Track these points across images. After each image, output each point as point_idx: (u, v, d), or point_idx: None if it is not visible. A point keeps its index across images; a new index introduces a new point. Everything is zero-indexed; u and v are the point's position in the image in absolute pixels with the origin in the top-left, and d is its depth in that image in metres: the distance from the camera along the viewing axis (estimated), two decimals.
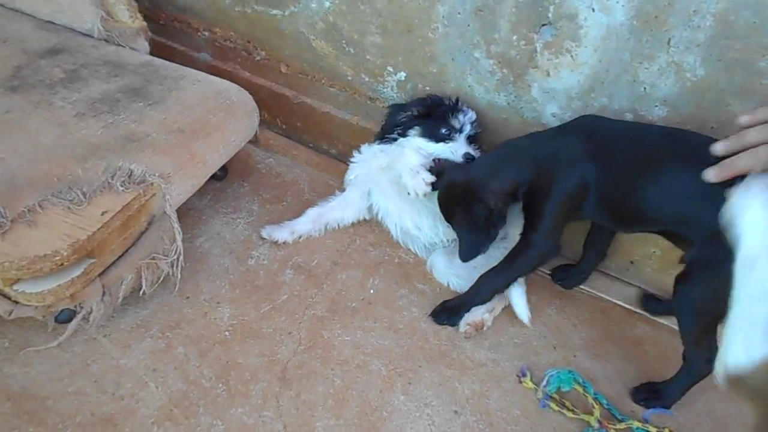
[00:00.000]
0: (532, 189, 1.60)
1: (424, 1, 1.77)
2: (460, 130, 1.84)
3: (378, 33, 1.93)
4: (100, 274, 1.54)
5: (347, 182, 2.04)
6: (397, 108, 1.93)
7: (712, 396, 1.65)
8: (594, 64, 1.63)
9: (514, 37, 1.70)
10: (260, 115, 1.95)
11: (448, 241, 1.92)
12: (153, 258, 1.63)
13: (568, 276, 1.93)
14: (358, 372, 1.63)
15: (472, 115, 1.85)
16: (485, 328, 1.74)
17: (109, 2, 2.02)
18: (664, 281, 1.91)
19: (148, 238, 1.63)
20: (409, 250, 2.00)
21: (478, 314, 1.73)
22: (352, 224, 2.07)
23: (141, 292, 1.64)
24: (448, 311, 1.78)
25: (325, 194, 2.14)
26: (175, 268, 1.69)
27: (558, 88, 1.72)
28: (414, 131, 1.86)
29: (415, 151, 1.78)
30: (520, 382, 1.64)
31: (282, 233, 1.99)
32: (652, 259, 1.89)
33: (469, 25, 1.75)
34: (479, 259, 1.69)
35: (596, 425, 1.51)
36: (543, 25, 1.64)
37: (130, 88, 1.84)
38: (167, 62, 2.00)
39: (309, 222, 2.02)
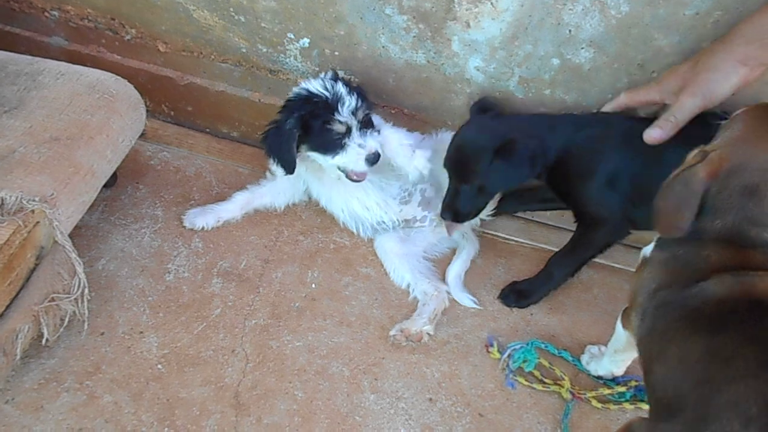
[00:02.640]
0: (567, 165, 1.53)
1: None
2: (349, 130, 1.58)
3: None
4: None
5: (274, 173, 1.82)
6: (274, 135, 1.60)
7: None
8: (516, 10, 1.53)
9: None
10: None
11: (398, 220, 1.78)
12: (52, 299, 1.35)
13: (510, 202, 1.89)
14: (319, 379, 1.49)
15: (351, 100, 1.57)
16: (425, 340, 1.60)
17: None
18: None
19: (41, 277, 1.34)
20: (343, 232, 1.84)
21: (418, 324, 1.60)
22: (275, 214, 1.87)
23: (44, 340, 1.36)
24: (518, 294, 1.70)
25: (237, 184, 1.91)
26: (80, 304, 1.41)
27: (480, 39, 1.61)
28: (304, 148, 1.62)
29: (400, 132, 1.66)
30: (489, 352, 1.59)
31: (207, 219, 1.77)
32: None
33: None
34: (420, 243, 1.69)
35: (568, 396, 1.49)
36: None
37: None
38: (14, 54, 1.64)
39: (237, 209, 1.81)
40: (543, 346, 1.60)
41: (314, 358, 1.53)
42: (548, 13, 1.50)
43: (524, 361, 1.54)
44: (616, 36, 1.50)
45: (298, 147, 1.60)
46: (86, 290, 1.40)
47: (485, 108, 1.64)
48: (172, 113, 2.11)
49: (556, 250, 1.88)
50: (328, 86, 1.58)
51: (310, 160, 1.66)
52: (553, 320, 1.70)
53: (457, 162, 1.58)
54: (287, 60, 1.84)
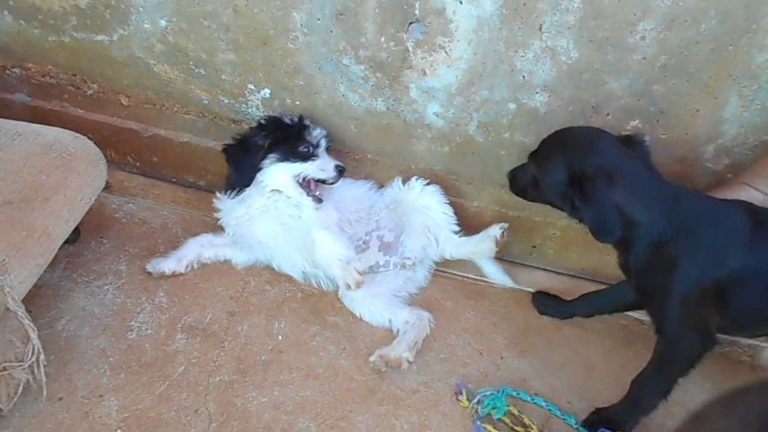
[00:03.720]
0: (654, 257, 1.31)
1: (278, 9, 1.58)
2: (317, 145, 1.73)
3: (230, 49, 1.70)
4: None
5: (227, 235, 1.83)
6: (239, 147, 1.72)
7: (637, 368, 1.70)
8: (469, 58, 1.55)
9: (383, 39, 1.57)
10: (106, 156, 1.66)
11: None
12: (3, 369, 1.31)
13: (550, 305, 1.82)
14: None
15: (321, 130, 1.75)
16: (404, 367, 1.59)
17: None
18: (566, 260, 1.93)
19: None
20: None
21: (397, 351, 1.59)
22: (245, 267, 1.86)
23: None
24: (606, 423, 1.48)
25: (203, 232, 1.90)
26: (36, 371, 1.37)
27: (437, 86, 1.63)
28: (271, 159, 1.70)
29: (333, 236, 1.63)
30: (458, 399, 1.56)
31: (169, 264, 1.76)
32: (553, 240, 1.90)
33: (331, 31, 1.59)
34: (387, 285, 1.71)
35: None
36: (411, 23, 1.52)
37: None
38: None
39: (197, 246, 1.80)
40: (514, 393, 1.58)
41: (280, 414, 1.49)
42: (501, 61, 1.53)
43: (493, 408, 1.51)
44: (569, 81, 1.52)
45: (263, 158, 1.69)
46: (41, 357, 1.36)
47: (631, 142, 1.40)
48: (138, 164, 2.10)
49: (528, 289, 1.89)
50: (295, 120, 1.74)
51: (256, 202, 1.73)
52: (524, 363, 1.69)
53: (558, 152, 1.38)
54: (249, 110, 1.85)
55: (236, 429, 1.45)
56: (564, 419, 1.55)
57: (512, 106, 1.61)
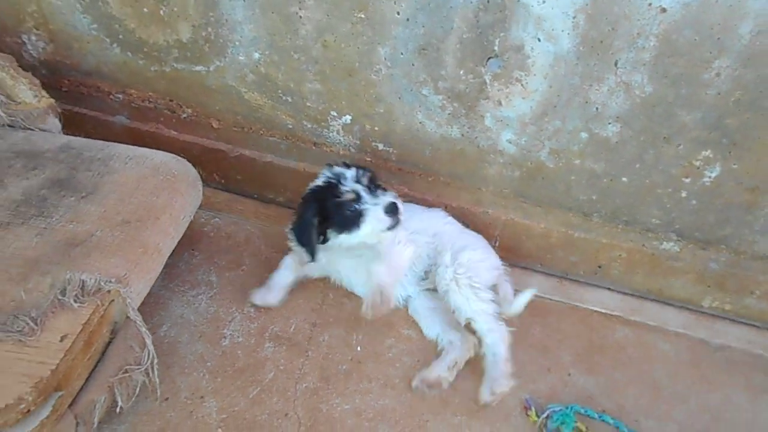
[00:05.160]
0: None
1: (364, 44, 1.70)
2: (359, 196, 1.63)
3: (317, 80, 1.84)
4: (70, 405, 1.37)
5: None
6: (297, 228, 1.73)
7: (703, 389, 1.74)
8: (545, 90, 1.64)
9: (461, 72, 1.68)
10: None
11: (415, 289, 1.88)
12: (125, 371, 1.47)
13: None
14: None
15: (351, 172, 1.67)
16: (444, 387, 1.69)
17: (7, 84, 1.80)
18: (631, 281, 1.99)
19: (115, 350, 1.47)
20: None
21: (435, 371, 1.69)
22: (321, 278, 1.99)
23: (117, 408, 1.49)
24: None
25: (284, 248, 2.04)
26: (151, 374, 1.54)
27: (511, 115, 1.72)
28: (331, 233, 1.69)
29: (392, 268, 1.70)
30: (527, 414, 1.65)
31: (273, 295, 1.86)
32: (618, 261, 1.96)
33: (413, 65, 1.70)
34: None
35: None
36: (489, 58, 1.62)
37: (55, 181, 1.65)
38: (88, 141, 1.81)
39: (288, 272, 1.89)
40: (582, 410, 1.66)
41: (362, 421, 1.61)
42: (576, 93, 1.61)
43: (562, 423, 1.59)
44: (641, 113, 1.59)
45: (325, 234, 1.69)
46: (155, 360, 1.53)
47: None
48: (223, 181, 2.27)
49: (591, 308, 1.95)
50: (328, 173, 1.70)
51: (336, 248, 1.73)
52: (590, 381, 1.76)
53: None
54: (330, 134, 1.98)
55: None
56: None
57: (584, 135, 1.69)
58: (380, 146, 1.95)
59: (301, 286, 1.96)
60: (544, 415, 1.62)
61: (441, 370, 1.70)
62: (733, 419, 1.68)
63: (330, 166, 1.72)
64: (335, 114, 1.91)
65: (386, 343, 1.82)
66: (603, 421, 1.65)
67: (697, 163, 1.63)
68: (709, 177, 1.65)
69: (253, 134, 2.09)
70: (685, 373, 1.80)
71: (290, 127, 2.01)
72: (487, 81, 1.67)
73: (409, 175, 1.99)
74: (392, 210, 1.63)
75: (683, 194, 1.72)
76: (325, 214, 1.66)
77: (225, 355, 1.74)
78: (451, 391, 1.70)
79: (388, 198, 1.64)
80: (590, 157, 1.73)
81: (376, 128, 1.90)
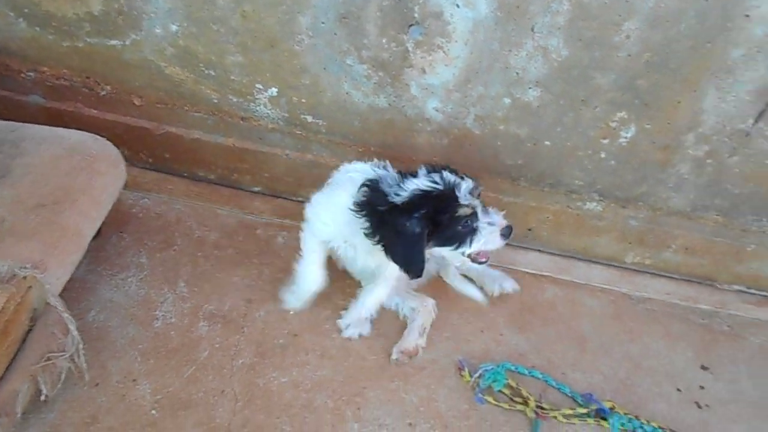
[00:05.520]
0: None
1: (284, 14, 1.67)
2: (474, 212, 1.51)
3: (238, 52, 1.79)
4: None
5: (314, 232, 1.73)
6: (396, 235, 1.49)
7: (625, 340, 1.84)
8: (466, 57, 1.65)
9: (384, 40, 1.67)
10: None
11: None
12: (48, 359, 1.43)
13: None
14: (305, 412, 1.59)
15: (466, 183, 1.50)
16: (420, 353, 1.74)
17: None
18: (559, 241, 2.06)
19: (36, 338, 1.42)
20: None
21: (411, 341, 1.74)
22: (255, 253, 1.97)
23: (42, 396, 1.44)
24: None
25: (217, 226, 2.02)
26: (77, 359, 1.49)
27: (436, 83, 1.73)
28: (431, 245, 1.54)
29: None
30: (461, 375, 1.70)
31: (300, 297, 1.79)
32: (546, 223, 2.02)
33: (335, 34, 1.68)
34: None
35: (533, 415, 1.61)
36: (411, 25, 1.62)
37: None
38: None
39: (320, 274, 1.76)
40: (513, 367, 1.72)
41: (299, 392, 1.63)
42: (496, 59, 1.63)
43: (494, 381, 1.65)
44: (559, 77, 1.63)
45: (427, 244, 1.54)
46: (80, 346, 1.48)
47: None
48: (150, 160, 2.20)
49: (522, 270, 2.01)
50: (437, 179, 1.50)
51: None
52: (521, 339, 1.82)
53: None
54: (257, 108, 1.95)
55: (260, 407, 1.58)
56: (559, 389, 1.69)
57: (507, 100, 1.72)
58: (309, 119, 1.93)
59: (236, 262, 1.95)
60: (477, 375, 1.67)
61: (415, 338, 1.74)
62: (652, 366, 1.78)
63: (431, 169, 1.54)
64: (260, 87, 1.88)
65: (323, 315, 1.83)
66: (532, 376, 1.72)
67: (614, 124, 1.69)
68: (625, 137, 1.72)
69: (178, 110, 2.02)
70: (609, 326, 1.89)
71: (215, 101, 1.96)
72: (410, 49, 1.67)
73: (341, 147, 1.99)
74: (509, 233, 1.55)
75: (602, 155, 1.78)
76: (435, 226, 1.49)
77: (158, 336, 1.71)
78: (387, 357, 1.74)
79: (501, 219, 1.55)
80: (514, 122, 1.77)
81: (303, 100, 1.88)
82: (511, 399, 1.66)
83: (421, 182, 1.50)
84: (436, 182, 1.49)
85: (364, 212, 1.53)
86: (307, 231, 1.70)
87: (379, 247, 1.54)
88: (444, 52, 1.65)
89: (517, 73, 1.65)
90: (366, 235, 1.54)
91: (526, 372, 1.72)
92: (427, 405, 1.63)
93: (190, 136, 2.09)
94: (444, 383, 1.69)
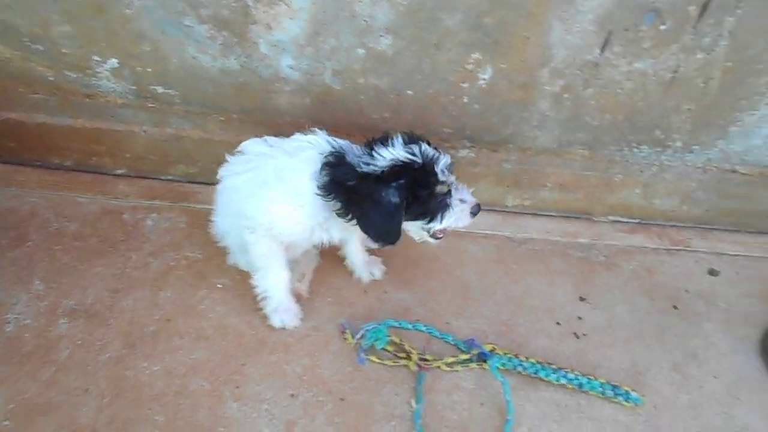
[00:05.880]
0: None
1: None
2: (449, 189, 1.50)
3: (65, 21, 1.62)
4: None
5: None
6: (370, 203, 1.42)
7: (508, 281, 1.86)
8: (309, 8, 1.56)
9: None
10: None
11: None
12: None
13: None
14: (179, 399, 1.50)
15: (443, 158, 1.47)
16: (304, 296, 1.73)
17: None
18: None
19: None
20: (195, 246, 1.85)
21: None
22: (121, 240, 1.84)
23: None
24: None
25: (77, 215, 1.88)
26: None
27: (284, 38, 1.63)
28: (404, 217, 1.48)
29: None
30: (345, 337, 1.66)
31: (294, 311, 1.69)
32: None
33: None
34: None
35: (415, 368, 1.59)
36: None
37: None
38: None
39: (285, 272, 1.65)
40: (397, 324, 1.70)
41: (173, 379, 1.54)
42: (341, 8, 1.55)
43: (376, 340, 1.62)
44: (408, 21, 1.57)
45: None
46: None
47: None
48: None
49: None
50: (416, 151, 1.44)
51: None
52: (406, 294, 1.80)
53: None
54: (100, 83, 1.78)
55: (129, 400, 1.49)
56: (443, 338, 1.69)
57: (361, 51, 1.65)
58: (159, 89, 1.79)
59: (100, 252, 1.81)
60: (359, 336, 1.64)
61: (294, 283, 1.71)
62: (534, 304, 1.81)
63: (409, 139, 1.46)
64: (98, 59, 1.72)
65: (198, 296, 1.73)
66: (417, 329, 1.70)
67: (470, 67, 1.66)
68: (484, 79, 1.69)
69: (12, 93, 1.83)
70: (493, 271, 1.90)
71: (51, 79, 1.78)
72: (250, 4, 1.56)
73: (200, 117, 1.87)
74: (477, 212, 1.55)
75: (465, 100, 1.75)
76: (413, 199, 1.44)
77: (9, 341, 1.57)
78: (268, 331, 1.67)
79: (471, 197, 1.54)
80: (372, 74, 1.70)
81: (149, 70, 1.74)
82: (395, 355, 1.64)
83: (398, 152, 1.43)
84: (414, 154, 1.43)
85: (332, 194, 1.45)
86: (266, 239, 1.55)
87: (352, 222, 1.47)
88: (286, 4, 1.55)
89: (366, 21, 1.58)
90: (339, 215, 1.48)
91: (410, 326, 1.70)
92: (310, 373, 1.59)
93: (34, 120, 1.90)
94: (328, 349, 1.65)
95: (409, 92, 1.74)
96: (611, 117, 1.76)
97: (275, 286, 1.64)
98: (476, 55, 1.64)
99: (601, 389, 1.56)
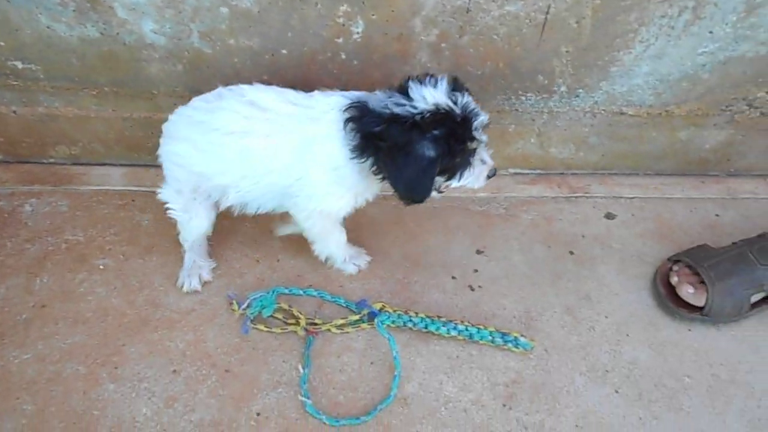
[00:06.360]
0: None
1: None
2: (476, 149, 1.39)
3: None
4: None
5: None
6: (405, 156, 1.28)
7: (405, 240, 1.83)
8: None
9: None
10: None
11: None
12: None
13: None
14: (51, 385, 1.43)
15: (481, 115, 1.33)
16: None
17: None
18: None
19: None
20: (77, 228, 1.77)
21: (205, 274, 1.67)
22: None
23: None
24: None
25: None
26: None
27: (141, 0, 1.54)
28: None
29: None
30: (232, 309, 1.61)
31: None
32: None
33: None
34: None
35: (303, 333, 1.56)
36: None
37: None
38: None
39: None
40: (287, 290, 1.65)
41: (45, 365, 1.46)
42: None
43: (263, 308, 1.58)
44: None
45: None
46: None
47: None
48: None
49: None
50: (457, 99, 1.30)
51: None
52: (299, 261, 1.75)
53: None
54: None
55: None
56: (335, 301, 1.65)
57: (224, 9, 1.57)
58: (19, 65, 1.68)
59: None
60: (245, 305, 1.59)
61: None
62: (430, 260, 1.78)
63: (455, 85, 1.33)
64: None
65: (77, 279, 1.65)
66: (308, 295, 1.66)
67: (341, 20, 1.60)
68: (358, 33, 1.64)
69: None
70: (390, 232, 1.86)
71: None
72: None
73: (70, 93, 1.76)
74: (492, 175, 1.45)
75: (343, 56, 1.69)
76: (446, 153, 1.30)
77: None
78: (152, 309, 1.61)
79: (490, 159, 1.43)
80: (242, 34, 1.63)
81: (2, 43, 1.63)
82: (285, 322, 1.59)
83: (442, 98, 1.29)
84: (457, 104, 1.30)
85: (364, 153, 1.33)
86: (320, 219, 1.51)
87: (380, 176, 1.38)
88: None
89: None
90: (375, 174, 1.38)
91: (301, 292, 1.66)
92: (194, 348, 1.53)
93: None
94: (214, 322, 1.59)
95: (284, 51, 1.68)
96: (492, 65, 1.73)
97: (338, 247, 1.66)
98: (345, 7, 1.58)
99: (490, 338, 1.55)
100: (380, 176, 1.38)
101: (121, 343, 1.53)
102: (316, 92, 1.46)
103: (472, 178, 1.42)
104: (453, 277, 1.75)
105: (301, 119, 1.39)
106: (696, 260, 1.66)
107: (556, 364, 1.55)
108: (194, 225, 1.56)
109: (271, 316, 1.59)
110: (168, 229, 1.73)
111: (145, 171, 1.96)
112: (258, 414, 1.42)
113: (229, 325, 1.59)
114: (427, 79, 1.32)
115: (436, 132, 1.26)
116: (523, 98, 1.84)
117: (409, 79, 1.35)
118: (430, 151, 1.27)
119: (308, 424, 1.41)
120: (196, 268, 1.67)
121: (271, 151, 1.41)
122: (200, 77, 1.74)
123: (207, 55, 1.68)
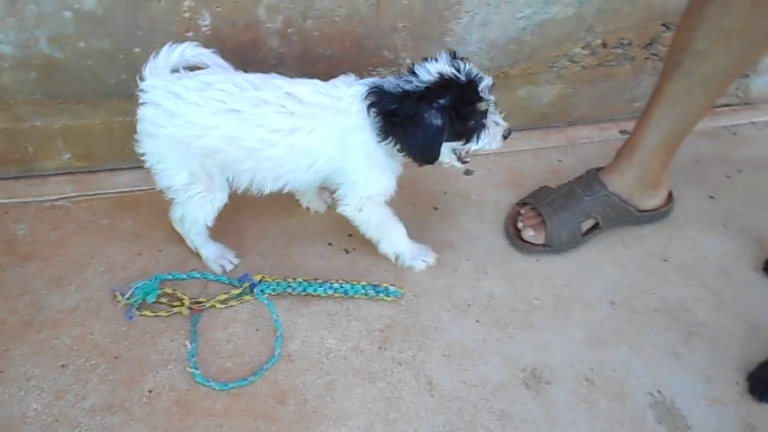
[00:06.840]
0: None
1: None
2: (487, 111, 1.50)
3: None
4: None
5: None
6: (412, 124, 1.43)
7: (282, 216, 1.94)
8: None
9: None
10: None
11: None
12: None
13: None
14: None
15: (486, 78, 1.47)
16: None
17: None
18: None
19: None
20: None
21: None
22: None
23: None
24: None
25: None
26: None
27: None
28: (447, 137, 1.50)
29: None
30: (117, 301, 1.67)
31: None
32: None
33: None
34: None
35: (187, 312, 1.65)
36: None
37: None
38: None
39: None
40: (170, 276, 1.74)
41: None
42: None
43: (146, 295, 1.65)
44: None
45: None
46: None
47: None
48: None
49: None
50: (460, 67, 1.43)
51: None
52: (181, 248, 1.83)
53: None
54: None
55: None
56: (217, 280, 1.75)
57: (68, 14, 1.62)
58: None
59: None
60: (128, 295, 1.66)
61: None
62: (308, 231, 1.92)
63: (454, 55, 1.47)
64: None
65: None
66: (192, 278, 1.75)
67: (187, 15, 1.69)
68: (206, 25, 1.73)
69: None
70: (268, 209, 1.98)
71: None
72: None
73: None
74: (508, 135, 1.57)
75: None
76: (456, 117, 1.44)
77: None
78: (35, 311, 1.64)
79: (503, 121, 1.55)
80: (91, 36, 1.69)
81: None
82: (170, 305, 1.67)
83: (444, 67, 1.43)
84: (459, 70, 1.43)
85: (389, 134, 1.47)
86: (372, 208, 1.64)
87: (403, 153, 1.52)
88: None
89: None
90: (399, 151, 1.52)
91: (185, 276, 1.75)
92: (81, 342, 1.59)
93: None
94: (99, 315, 1.65)
95: (136, 50, 1.74)
96: (339, 45, 1.88)
97: (401, 242, 1.74)
98: (189, 2, 1.67)
99: (364, 291, 1.71)
100: (403, 153, 1.53)
101: (4, 348, 1.55)
102: (337, 80, 1.56)
103: (489, 139, 1.55)
104: (329, 244, 1.89)
105: (335, 111, 1.50)
106: (537, 200, 1.90)
107: (424, 306, 1.73)
108: (218, 200, 1.63)
109: (156, 301, 1.67)
110: (46, 235, 1.76)
111: (16, 182, 1.96)
112: (150, 391, 1.50)
113: (114, 317, 1.65)
114: (428, 58, 1.48)
115: (441, 101, 1.42)
116: (375, 73, 2.00)
117: (413, 63, 1.50)
118: (437, 120, 1.42)
119: (199, 392, 1.50)
120: (220, 250, 1.78)
121: (315, 144, 1.52)
122: (56, 82, 1.78)
123: (59, 60, 1.72)
